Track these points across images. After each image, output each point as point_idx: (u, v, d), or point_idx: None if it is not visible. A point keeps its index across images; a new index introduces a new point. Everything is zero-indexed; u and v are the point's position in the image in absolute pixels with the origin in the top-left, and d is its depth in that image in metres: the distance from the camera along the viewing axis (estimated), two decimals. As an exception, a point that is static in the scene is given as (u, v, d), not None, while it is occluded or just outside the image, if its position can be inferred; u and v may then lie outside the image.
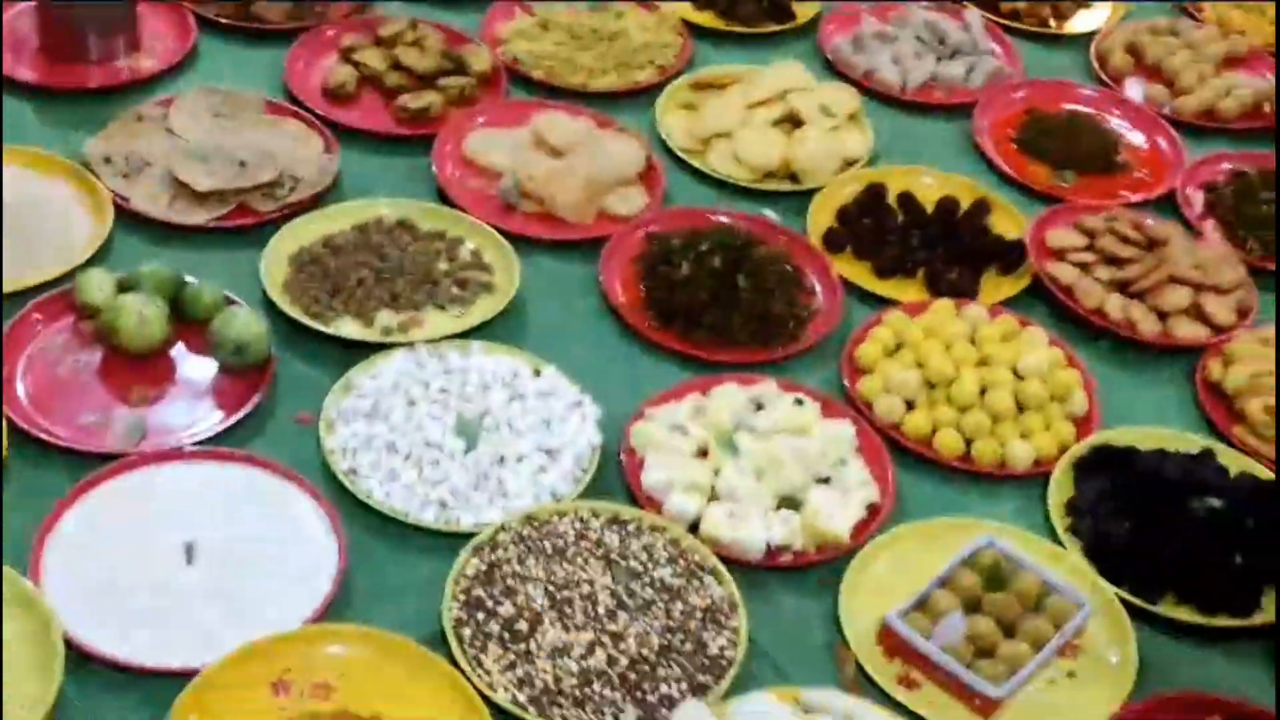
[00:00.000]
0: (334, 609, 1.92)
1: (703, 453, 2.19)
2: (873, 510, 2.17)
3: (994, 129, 3.05)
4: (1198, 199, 2.92)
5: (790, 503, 2.15)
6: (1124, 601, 2.09)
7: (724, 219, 2.65)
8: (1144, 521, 2.18)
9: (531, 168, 2.65)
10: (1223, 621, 2.10)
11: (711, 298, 2.42)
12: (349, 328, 2.31)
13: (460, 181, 2.66)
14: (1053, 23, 3.41)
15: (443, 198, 2.62)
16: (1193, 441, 2.36)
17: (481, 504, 2.08)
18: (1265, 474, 2.30)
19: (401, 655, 1.85)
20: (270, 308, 2.32)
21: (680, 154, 2.82)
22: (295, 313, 2.31)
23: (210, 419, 2.15)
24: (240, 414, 2.15)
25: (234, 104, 2.72)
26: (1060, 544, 2.18)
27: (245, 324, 2.20)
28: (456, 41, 2.97)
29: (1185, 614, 2.10)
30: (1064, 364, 2.43)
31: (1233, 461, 2.32)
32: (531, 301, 2.46)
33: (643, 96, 2.96)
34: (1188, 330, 2.57)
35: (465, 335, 2.33)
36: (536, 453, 2.15)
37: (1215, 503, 2.19)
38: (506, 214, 2.61)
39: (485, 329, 2.36)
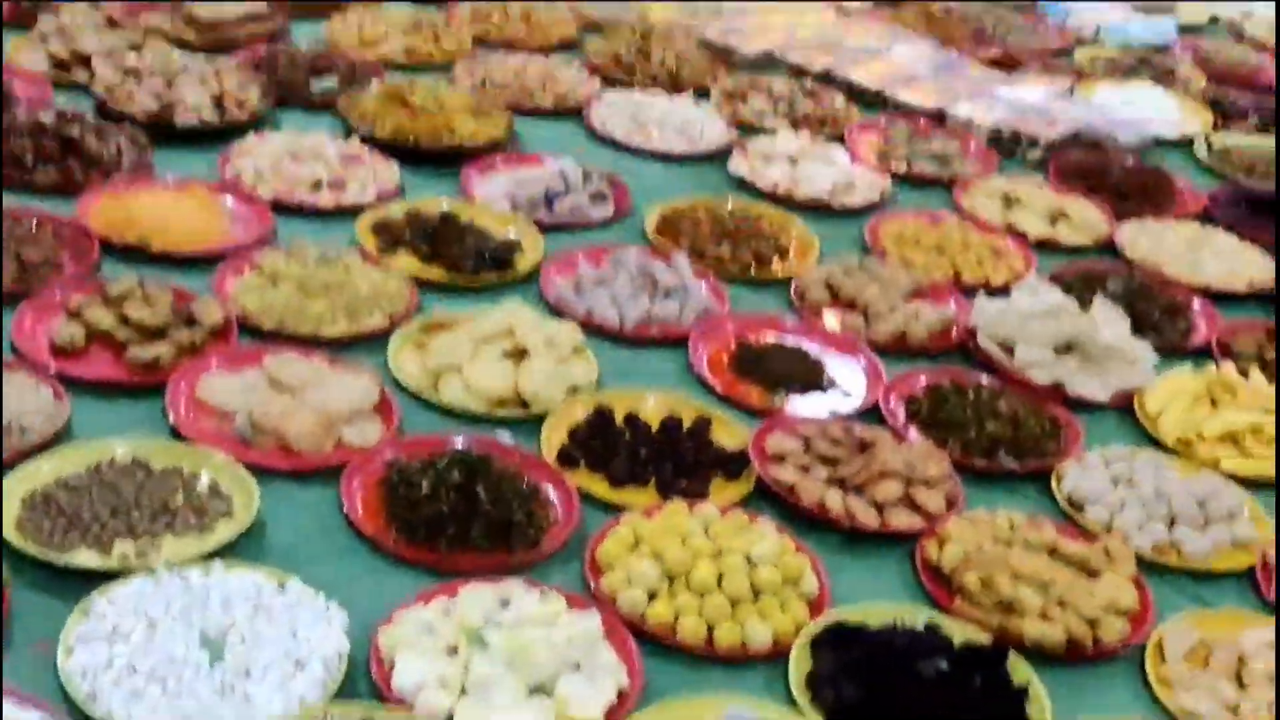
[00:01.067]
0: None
1: (453, 650, 2.21)
2: (622, 696, 2.22)
3: (710, 358, 3.24)
4: (900, 409, 3.15)
5: (542, 691, 2.17)
6: (869, 760, 2.17)
7: (460, 443, 2.73)
8: (880, 687, 2.29)
9: (265, 406, 2.69)
10: (962, 771, 2.20)
11: (452, 510, 2.48)
12: (84, 556, 2.28)
13: (194, 422, 2.68)
14: (754, 269, 3.66)
15: (178, 438, 2.64)
16: (917, 615, 2.49)
17: (228, 717, 2.04)
18: (986, 639, 2.45)
19: None
20: (4, 546, 2.27)
21: (413, 392, 2.91)
22: (30, 548, 2.28)
23: (-61, 653, 2.07)
24: (-29, 645, 2.09)
25: (-42, 362, 2.71)
26: (804, 717, 2.26)
27: (-26, 557, 2.16)
28: (186, 299, 3.01)
29: (927, 767, 2.19)
30: (793, 550, 2.55)
31: (956, 631, 2.47)
32: (273, 525, 2.47)
33: (374, 342, 3.04)
34: (903, 519, 2.74)
35: (207, 559, 2.32)
36: (284, 662, 2.14)
37: (943, 664, 2.32)
38: (244, 448, 2.63)
39: (226, 552, 2.35)
